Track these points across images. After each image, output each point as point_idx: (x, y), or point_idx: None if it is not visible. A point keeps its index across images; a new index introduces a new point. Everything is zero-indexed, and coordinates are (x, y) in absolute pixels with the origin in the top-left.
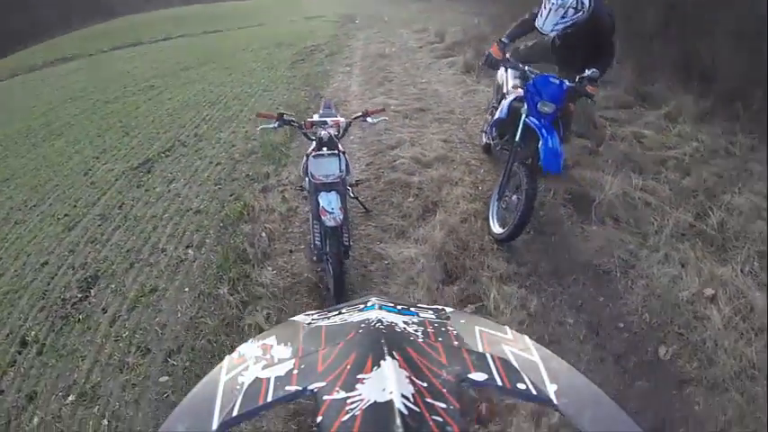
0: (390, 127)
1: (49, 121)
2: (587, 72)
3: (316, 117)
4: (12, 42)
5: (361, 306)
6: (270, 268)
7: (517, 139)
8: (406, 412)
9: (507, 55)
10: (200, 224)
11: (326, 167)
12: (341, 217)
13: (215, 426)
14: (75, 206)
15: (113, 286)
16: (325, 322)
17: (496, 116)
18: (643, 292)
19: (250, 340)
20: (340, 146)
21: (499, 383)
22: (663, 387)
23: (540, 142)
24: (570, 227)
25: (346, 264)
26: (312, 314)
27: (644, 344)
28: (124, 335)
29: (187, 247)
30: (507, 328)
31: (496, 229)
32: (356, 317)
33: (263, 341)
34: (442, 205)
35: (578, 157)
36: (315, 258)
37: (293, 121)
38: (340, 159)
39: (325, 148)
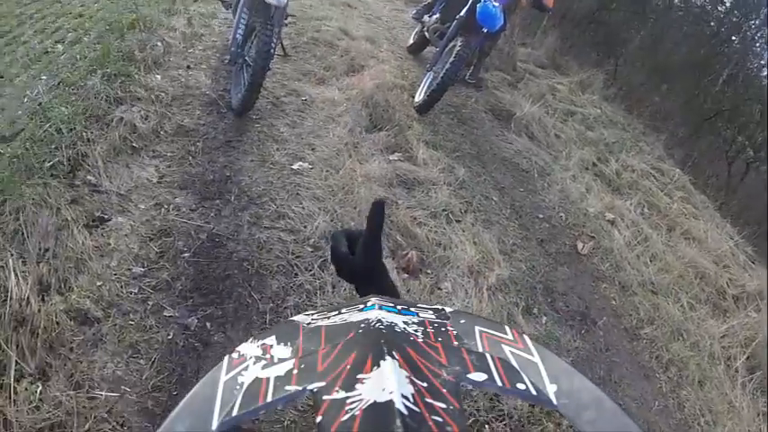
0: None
1: None
2: None
3: None
4: None
5: (361, 306)
6: (159, 76)
7: (463, 12)
8: (405, 412)
9: None
10: (80, 25)
11: None
12: (285, 0)
13: (215, 426)
14: None
15: None
16: (325, 322)
17: None
18: (558, 194)
19: (249, 340)
20: None
21: (499, 384)
22: (582, 277)
23: (480, 3)
24: (491, 128)
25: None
26: (312, 314)
27: (562, 236)
28: None
29: (57, 42)
30: (507, 327)
31: (419, 98)
32: (356, 317)
33: (262, 341)
34: (370, 69)
35: (499, 84)
36: (228, 59)
37: None
38: None
39: None
